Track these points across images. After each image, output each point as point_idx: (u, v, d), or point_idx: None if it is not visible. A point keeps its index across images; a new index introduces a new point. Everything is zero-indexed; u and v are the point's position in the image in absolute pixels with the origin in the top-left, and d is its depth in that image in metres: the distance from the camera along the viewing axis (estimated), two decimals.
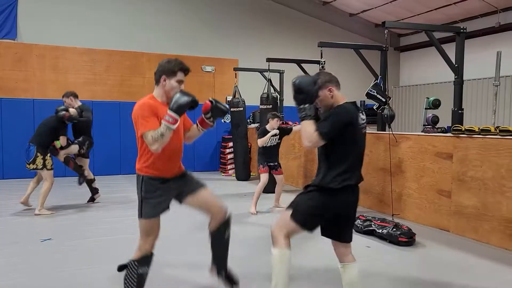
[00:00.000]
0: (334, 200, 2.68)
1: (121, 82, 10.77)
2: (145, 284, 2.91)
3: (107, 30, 10.92)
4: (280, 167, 6.73)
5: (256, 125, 10.01)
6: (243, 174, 9.96)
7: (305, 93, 2.60)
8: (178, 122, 2.69)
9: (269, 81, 8.69)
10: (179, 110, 2.67)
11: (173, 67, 2.83)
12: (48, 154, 6.23)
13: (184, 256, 4.35)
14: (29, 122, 9.61)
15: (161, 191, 2.86)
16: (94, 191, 6.94)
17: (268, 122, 6.50)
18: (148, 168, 2.85)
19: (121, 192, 8.08)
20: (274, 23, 13.13)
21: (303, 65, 9.21)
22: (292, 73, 10.62)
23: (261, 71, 9.76)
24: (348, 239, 2.83)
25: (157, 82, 2.88)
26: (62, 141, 6.32)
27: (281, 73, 10.09)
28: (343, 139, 2.62)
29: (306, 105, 2.61)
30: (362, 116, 2.77)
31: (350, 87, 13.95)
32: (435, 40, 5.47)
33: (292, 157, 9.12)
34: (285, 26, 13.27)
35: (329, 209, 2.69)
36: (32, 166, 6.15)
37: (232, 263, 4.02)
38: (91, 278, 3.68)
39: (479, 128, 5.02)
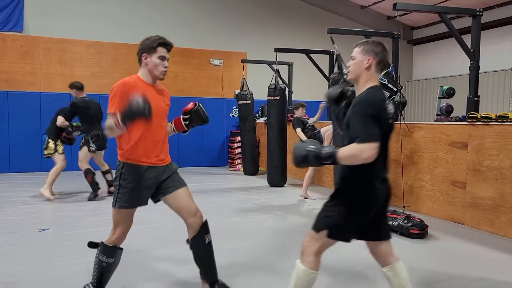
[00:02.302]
0: (373, 197, 2.31)
1: (128, 75, 10.61)
2: (110, 275, 2.86)
3: (113, 23, 10.84)
4: None
5: (265, 119, 9.80)
6: (251, 169, 9.76)
7: (309, 162, 2.26)
8: (122, 130, 2.42)
9: (277, 71, 8.49)
10: (123, 119, 2.37)
11: (152, 43, 2.68)
12: (59, 140, 6.45)
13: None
14: (36, 115, 9.56)
15: (139, 181, 2.70)
16: (109, 182, 6.71)
17: (294, 113, 6.99)
18: (128, 154, 2.71)
19: None
20: (284, 16, 12.93)
21: (312, 56, 8.97)
22: (301, 65, 10.52)
23: (269, 63, 9.57)
24: (388, 235, 2.50)
25: (140, 61, 2.74)
26: (58, 121, 6.32)
27: (290, 65, 9.88)
28: None
29: (321, 152, 2.23)
30: (391, 106, 2.36)
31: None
32: (449, 22, 5.21)
33: None
34: (295, 19, 13.06)
35: (369, 209, 2.32)
36: (45, 152, 6.42)
37: (236, 255, 3.90)
38: (84, 268, 3.54)
39: (496, 115, 4.76)
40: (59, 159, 6.39)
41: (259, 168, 10.08)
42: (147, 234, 4.60)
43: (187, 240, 2.88)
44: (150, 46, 2.67)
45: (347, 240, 2.37)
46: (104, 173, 6.73)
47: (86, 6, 10.60)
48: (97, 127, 6.40)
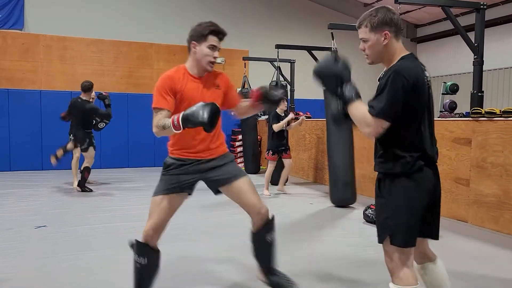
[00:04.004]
0: (423, 182, 2.00)
1: (129, 73, 10.62)
2: (149, 282, 2.56)
3: (115, 20, 10.78)
4: (289, 150, 6.89)
5: (266, 117, 9.72)
6: (253, 167, 9.69)
7: (333, 76, 2.06)
8: (182, 130, 2.27)
9: (278, 68, 8.41)
10: (186, 123, 2.22)
11: (203, 30, 2.43)
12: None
13: (184, 243, 4.12)
14: (36, 114, 9.54)
15: (178, 171, 2.52)
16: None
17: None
18: (172, 148, 2.57)
19: (127, 183, 7.91)
20: (286, 14, 12.84)
21: (315, 53, 8.87)
22: (303, 63, 10.40)
23: (271, 61, 9.48)
24: (436, 234, 2.18)
25: (189, 49, 2.50)
26: None
27: (292, 62, 9.78)
28: (407, 107, 1.95)
29: (344, 87, 2.04)
30: (426, 73, 2.07)
31: (363, 75, 13.58)
32: (452, 16, 5.12)
33: (303, 149, 8.82)
34: (298, 16, 12.97)
35: (422, 198, 2.00)
36: None
37: (235, 251, 3.84)
38: (76, 264, 3.49)
39: (500, 110, 4.66)
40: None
41: (261, 167, 10.01)
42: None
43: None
44: (201, 33, 2.43)
45: (413, 243, 2.01)
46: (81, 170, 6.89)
47: (87, 4, 10.55)
48: (76, 128, 6.75)
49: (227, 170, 2.58)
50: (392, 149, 1.99)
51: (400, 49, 2.05)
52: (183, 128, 2.22)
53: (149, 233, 2.48)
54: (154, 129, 2.36)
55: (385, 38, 2.01)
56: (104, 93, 6.99)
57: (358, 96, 2.03)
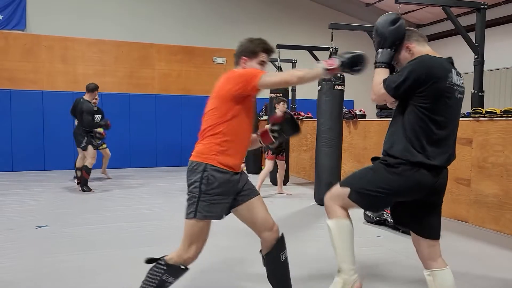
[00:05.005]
0: (402, 180, 2.11)
1: (130, 74, 10.63)
2: None
3: (115, 21, 10.80)
4: (284, 153, 7.05)
5: (267, 117, 9.73)
6: (254, 168, 9.70)
7: (378, 35, 2.21)
8: (334, 68, 2.23)
9: (279, 69, 8.41)
10: (350, 61, 2.20)
11: (255, 47, 2.47)
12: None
13: None
14: (38, 114, 9.57)
15: (226, 188, 2.32)
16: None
17: (275, 108, 6.67)
18: (218, 155, 2.29)
19: (128, 183, 7.92)
20: (287, 13, 12.84)
21: (316, 53, 8.88)
22: (304, 63, 10.40)
23: (272, 61, 9.47)
24: (433, 235, 2.23)
25: (237, 63, 2.52)
26: None
27: (293, 62, 9.79)
28: (420, 100, 2.06)
29: (381, 50, 2.21)
30: (457, 77, 2.14)
31: (365, 75, 13.59)
32: (452, 15, 5.11)
33: (304, 149, 8.82)
34: (299, 17, 12.97)
35: (396, 191, 2.14)
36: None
37: (233, 251, 3.85)
38: (77, 264, 3.50)
39: (501, 110, 4.65)
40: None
41: (262, 167, 10.00)
42: (143, 231, 4.55)
43: (260, 251, 2.58)
44: (252, 50, 2.46)
45: (364, 208, 2.34)
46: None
47: (88, 4, 10.57)
48: (77, 127, 6.96)
49: (249, 185, 2.48)
50: (402, 139, 2.13)
51: (429, 52, 2.17)
52: (342, 67, 2.22)
53: (194, 258, 2.37)
54: (296, 78, 2.30)
55: (410, 51, 2.20)
56: (108, 123, 7.09)
57: (386, 64, 2.20)
